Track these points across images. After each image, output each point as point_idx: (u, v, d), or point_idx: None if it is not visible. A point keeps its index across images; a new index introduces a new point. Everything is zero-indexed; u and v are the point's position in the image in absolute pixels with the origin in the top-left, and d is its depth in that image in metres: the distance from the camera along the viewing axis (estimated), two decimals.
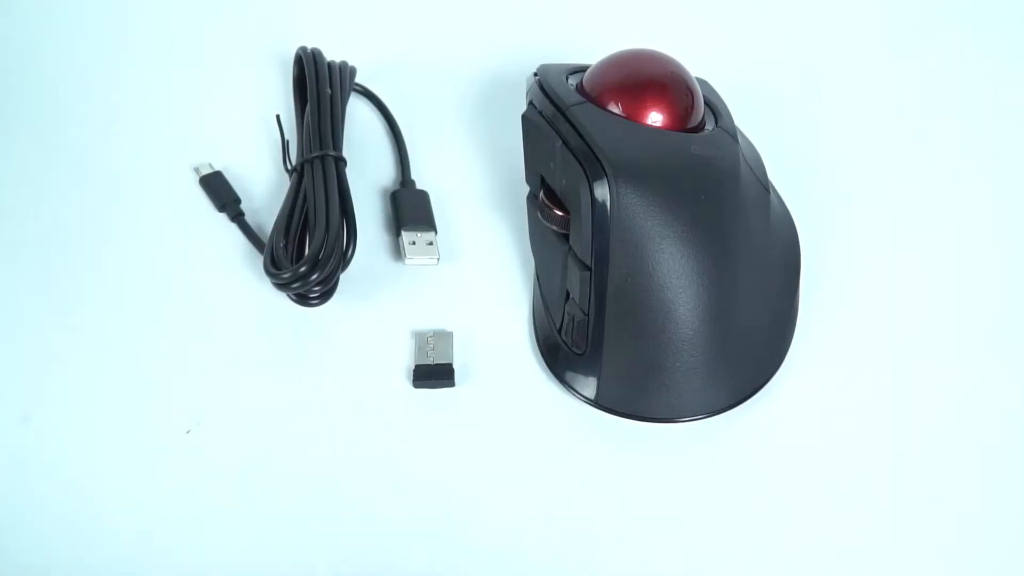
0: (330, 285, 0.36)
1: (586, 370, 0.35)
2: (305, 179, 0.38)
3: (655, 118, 0.35)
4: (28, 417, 0.34)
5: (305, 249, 0.37)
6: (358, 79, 0.44)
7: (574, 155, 0.34)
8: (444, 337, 0.36)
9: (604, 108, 0.36)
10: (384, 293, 0.38)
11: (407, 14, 0.48)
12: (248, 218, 0.40)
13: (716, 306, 0.34)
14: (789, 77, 0.46)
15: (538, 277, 0.38)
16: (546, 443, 0.35)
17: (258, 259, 0.37)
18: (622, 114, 0.35)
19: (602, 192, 0.33)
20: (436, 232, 0.39)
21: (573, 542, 0.33)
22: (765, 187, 0.37)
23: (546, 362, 0.36)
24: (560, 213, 0.36)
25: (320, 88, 0.41)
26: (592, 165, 0.34)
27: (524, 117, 0.37)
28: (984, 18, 0.50)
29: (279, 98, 0.44)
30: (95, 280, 0.38)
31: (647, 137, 0.35)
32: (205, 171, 0.41)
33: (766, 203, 0.37)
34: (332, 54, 0.43)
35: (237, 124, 0.43)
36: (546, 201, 0.37)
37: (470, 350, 0.37)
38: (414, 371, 0.36)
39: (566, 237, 0.36)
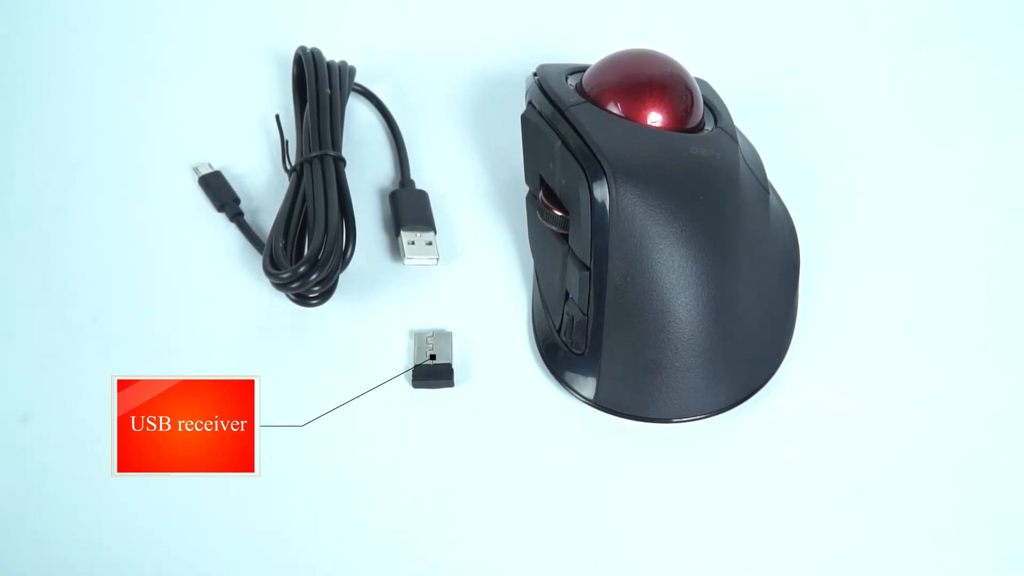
0: (329, 285, 0.36)
1: (585, 370, 0.35)
2: (304, 179, 0.38)
3: (654, 118, 0.36)
4: (28, 417, 0.34)
5: (304, 249, 0.37)
6: (358, 79, 0.44)
7: (573, 155, 0.34)
8: (443, 337, 0.36)
9: (603, 108, 0.36)
10: (383, 293, 0.38)
11: (407, 14, 0.48)
12: (247, 218, 0.40)
13: (715, 306, 0.34)
14: (789, 77, 0.46)
15: (537, 277, 0.38)
16: (545, 443, 0.35)
17: (257, 259, 0.37)
18: (621, 114, 0.35)
19: (601, 192, 0.33)
20: (435, 232, 0.39)
21: (572, 542, 0.33)
22: (764, 187, 0.37)
23: (545, 362, 0.36)
24: (559, 213, 0.36)
25: (320, 88, 0.41)
26: (591, 165, 0.34)
27: (523, 117, 0.37)
28: (984, 16, 0.50)
29: (279, 98, 0.44)
30: (94, 280, 0.38)
31: (646, 137, 0.35)
32: (204, 171, 0.41)
33: (765, 203, 0.37)
34: (332, 54, 0.43)
35: (236, 124, 0.43)
36: (545, 201, 0.37)
37: (469, 350, 0.37)
38: (413, 371, 0.36)
39: (565, 237, 0.36)
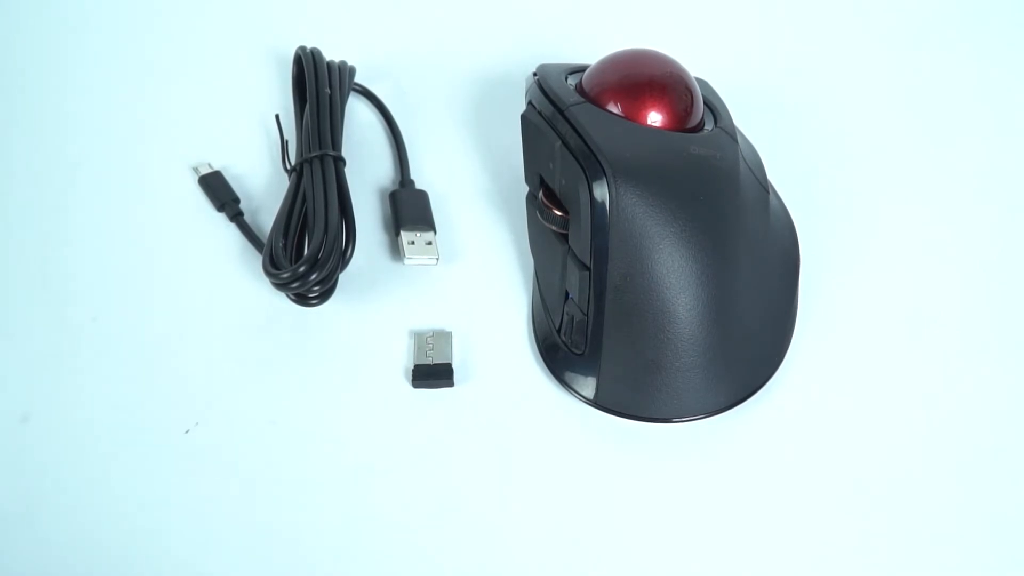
0: (329, 285, 0.36)
1: (585, 370, 0.35)
2: (304, 179, 0.38)
3: (654, 118, 0.36)
4: (28, 417, 0.34)
5: (304, 249, 0.37)
6: (358, 79, 0.44)
7: (573, 155, 0.34)
8: (443, 337, 0.36)
9: (603, 108, 0.36)
10: (383, 293, 0.38)
11: (406, 14, 0.48)
12: (247, 218, 0.40)
13: (715, 306, 0.34)
14: (789, 77, 0.46)
15: (537, 277, 0.38)
16: (545, 443, 0.35)
17: (257, 259, 0.37)
18: (621, 114, 0.35)
19: (601, 192, 0.33)
20: (435, 232, 0.39)
21: (572, 542, 0.33)
22: (764, 187, 0.37)
23: (545, 362, 0.36)
24: (559, 213, 0.36)
25: (319, 88, 0.41)
26: (591, 165, 0.34)
27: (523, 117, 0.37)
28: (984, 16, 0.50)
29: (279, 98, 0.44)
30: (94, 279, 0.38)
31: (646, 137, 0.35)
32: (204, 171, 0.41)
33: (765, 203, 0.37)
34: (332, 54, 0.43)
35: (236, 124, 0.43)
36: (545, 201, 0.37)
37: (469, 350, 0.37)
38: (413, 371, 0.36)
39: (565, 237, 0.36)
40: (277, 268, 0.35)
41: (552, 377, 0.36)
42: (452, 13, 0.48)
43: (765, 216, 0.37)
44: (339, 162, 0.39)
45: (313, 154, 0.39)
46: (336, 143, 0.40)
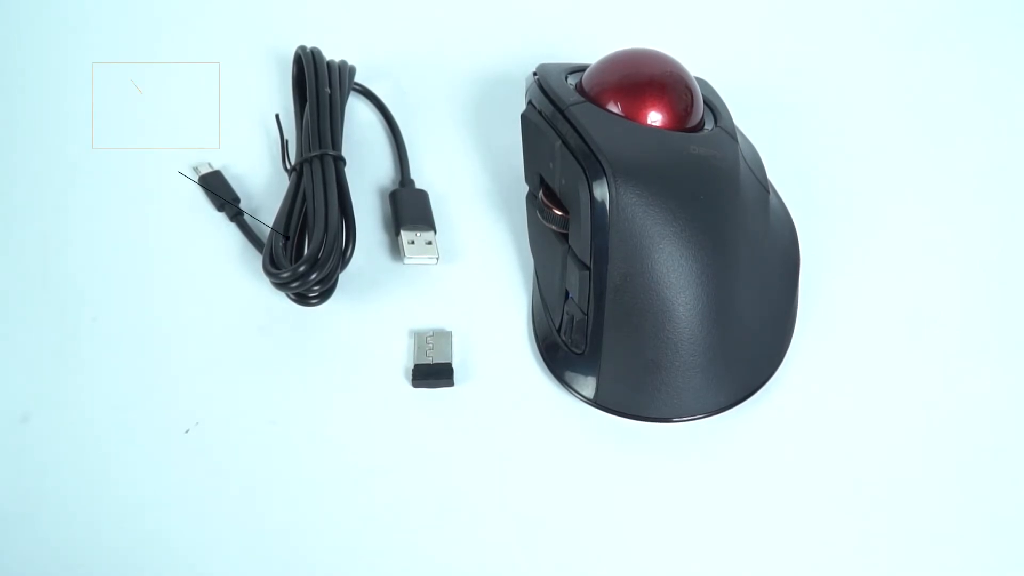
0: (329, 284, 0.36)
1: (585, 370, 0.35)
2: (304, 178, 0.38)
3: (654, 118, 0.36)
4: (28, 417, 0.34)
5: (304, 248, 0.37)
6: (358, 79, 0.44)
7: (573, 155, 0.34)
8: (443, 336, 0.36)
9: (603, 108, 0.36)
10: (383, 293, 0.38)
11: (406, 14, 0.48)
12: (247, 217, 0.40)
13: (715, 306, 0.34)
14: (789, 77, 0.46)
15: (537, 277, 0.38)
16: (545, 443, 0.35)
17: (257, 259, 0.37)
18: (621, 114, 0.35)
19: (601, 192, 0.33)
20: (435, 232, 0.39)
21: (572, 542, 0.33)
22: (764, 187, 0.37)
23: (545, 362, 0.36)
24: (559, 213, 0.36)
25: (319, 87, 0.41)
26: (591, 165, 0.34)
27: (523, 117, 0.37)
28: (984, 16, 0.50)
29: (279, 98, 0.44)
30: (94, 279, 0.38)
31: (646, 137, 0.35)
32: (204, 170, 0.41)
33: (765, 203, 0.37)
34: (332, 54, 0.43)
35: (237, 124, 0.43)
36: (545, 201, 0.37)
37: (469, 349, 0.37)
38: (413, 370, 0.36)
39: (565, 237, 0.36)
40: (277, 268, 0.35)
41: (552, 377, 0.36)
42: (452, 13, 0.48)
43: (765, 216, 0.37)
44: (339, 162, 0.39)
45: (313, 154, 0.39)
46: (336, 143, 0.40)
